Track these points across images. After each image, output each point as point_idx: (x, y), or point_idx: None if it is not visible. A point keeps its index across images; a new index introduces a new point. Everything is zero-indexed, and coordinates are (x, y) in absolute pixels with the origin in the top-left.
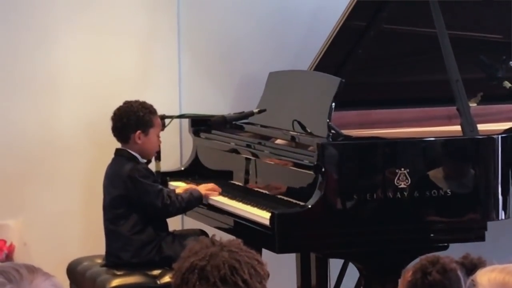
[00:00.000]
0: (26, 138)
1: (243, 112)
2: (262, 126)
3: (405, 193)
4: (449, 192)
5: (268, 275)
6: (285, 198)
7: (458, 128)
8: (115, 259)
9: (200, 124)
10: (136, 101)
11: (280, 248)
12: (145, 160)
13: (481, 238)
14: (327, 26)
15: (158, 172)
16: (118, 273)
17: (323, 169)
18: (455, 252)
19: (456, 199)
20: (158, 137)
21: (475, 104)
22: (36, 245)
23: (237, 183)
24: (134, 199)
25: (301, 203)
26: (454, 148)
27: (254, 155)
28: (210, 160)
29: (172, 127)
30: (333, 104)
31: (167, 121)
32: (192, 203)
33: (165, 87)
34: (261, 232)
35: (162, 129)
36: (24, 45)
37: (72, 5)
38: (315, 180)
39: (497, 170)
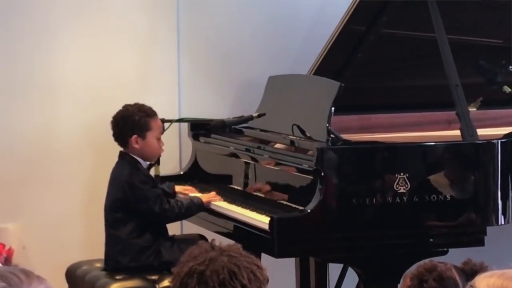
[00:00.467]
0: (24, 141)
1: (243, 116)
2: (261, 130)
3: (405, 198)
4: (449, 197)
5: (268, 280)
6: (284, 203)
7: (457, 132)
8: (114, 263)
9: (200, 128)
10: (134, 105)
11: (279, 253)
12: (148, 163)
13: (481, 243)
14: (326, 30)
15: (157, 176)
16: (117, 277)
17: (322, 174)
18: (454, 257)
19: (455, 204)
20: (158, 139)
21: (474, 109)
22: (35, 249)
23: (236, 187)
24: (132, 204)
25: (300, 208)
26: (453, 153)
27: (253, 159)
28: (209, 164)
29: (171, 131)
30: (333, 108)
31: (166, 125)
32: (192, 210)
33: (164, 91)
34: (260, 236)
35: (162, 133)
36: (23, 49)
37: (71, 9)
38: (314, 185)
39: (497, 175)
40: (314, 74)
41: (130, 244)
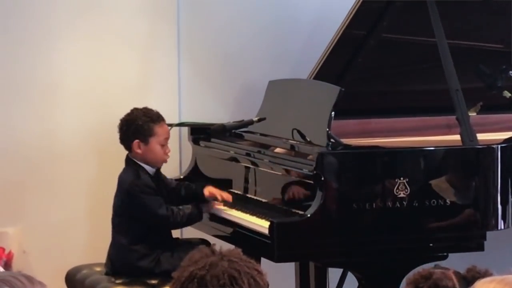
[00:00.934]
0: (25, 145)
1: (243, 120)
2: (261, 134)
3: (404, 203)
4: (449, 202)
5: (268, 285)
6: (284, 207)
7: (457, 137)
8: (114, 268)
9: (200, 132)
10: (141, 109)
11: (279, 257)
12: (153, 169)
13: (480, 248)
14: (327, 35)
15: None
16: (117, 281)
17: (322, 178)
18: (455, 262)
19: (455, 209)
20: (163, 146)
21: (474, 114)
22: (35, 253)
23: (236, 191)
24: (132, 213)
25: (300, 212)
26: (453, 157)
27: (253, 163)
28: (209, 168)
29: (172, 135)
30: (333, 113)
31: None
32: (193, 219)
33: (164, 95)
34: (260, 241)
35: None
36: (24, 52)
37: (72, 13)
38: (314, 189)
39: (497, 180)
40: (314, 78)
41: (130, 250)
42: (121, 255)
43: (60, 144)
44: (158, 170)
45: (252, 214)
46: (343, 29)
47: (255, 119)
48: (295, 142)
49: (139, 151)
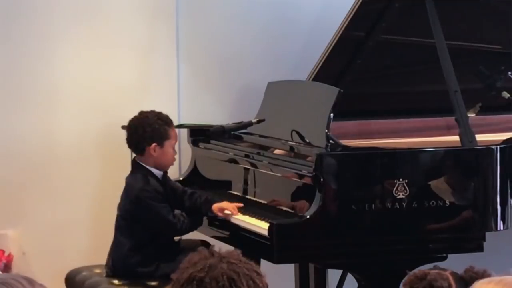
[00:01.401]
0: (25, 147)
1: (242, 122)
2: (260, 136)
3: (404, 204)
4: (448, 203)
5: (267, 287)
6: (284, 209)
7: (456, 138)
8: (115, 269)
9: (199, 134)
10: (152, 112)
11: (278, 259)
12: (161, 172)
13: (480, 249)
14: (326, 37)
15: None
16: (118, 283)
17: (321, 180)
18: (454, 263)
19: (454, 210)
20: (173, 149)
21: (473, 115)
22: (35, 255)
23: (235, 193)
24: (139, 218)
25: (300, 214)
26: (452, 158)
27: (252, 165)
28: (208, 170)
29: None
30: (332, 114)
31: None
32: (196, 227)
33: (164, 97)
34: (259, 242)
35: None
36: (24, 56)
37: (71, 17)
38: (314, 191)
39: (496, 181)
40: (313, 80)
41: (132, 255)
42: (122, 257)
43: (59, 146)
44: (165, 174)
45: (252, 215)
46: (342, 30)
47: (254, 120)
48: (294, 143)
49: (154, 154)
